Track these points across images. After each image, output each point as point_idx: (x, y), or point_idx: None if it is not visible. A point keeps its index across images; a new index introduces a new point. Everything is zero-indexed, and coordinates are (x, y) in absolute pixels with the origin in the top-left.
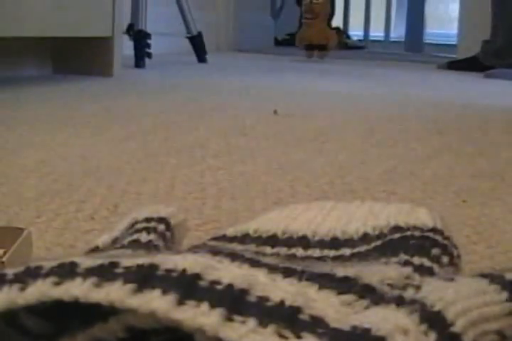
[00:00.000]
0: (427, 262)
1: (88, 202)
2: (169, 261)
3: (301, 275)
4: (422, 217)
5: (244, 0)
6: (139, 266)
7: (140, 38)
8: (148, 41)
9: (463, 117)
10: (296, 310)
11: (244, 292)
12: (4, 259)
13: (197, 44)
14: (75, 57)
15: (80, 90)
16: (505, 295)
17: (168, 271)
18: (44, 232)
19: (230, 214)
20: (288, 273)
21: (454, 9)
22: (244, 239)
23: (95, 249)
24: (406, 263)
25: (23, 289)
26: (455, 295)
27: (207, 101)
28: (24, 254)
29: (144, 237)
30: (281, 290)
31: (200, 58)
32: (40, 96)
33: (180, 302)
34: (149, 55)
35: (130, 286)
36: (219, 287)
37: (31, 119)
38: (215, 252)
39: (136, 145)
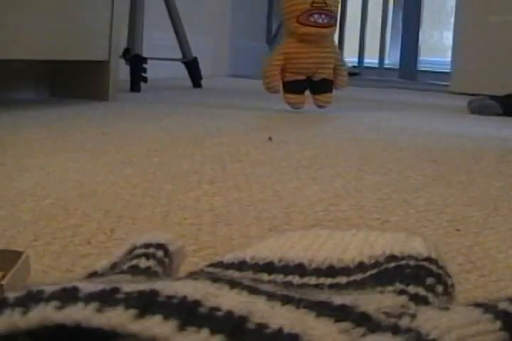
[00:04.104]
0: (422, 291)
1: (85, 227)
2: (170, 287)
3: (299, 303)
4: (416, 247)
5: (240, 26)
6: (141, 292)
7: (136, 63)
8: (144, 65)
9: (456, 146)
10: (295, 337)
11: (243, 319)
12: (3, 282)
13: (192, 69)
14: (71, 81)
15: (76, 114)
16: (498, 324)
17: (169, 297)
18: (41, 256)
19: (226, 241)
20: (286, 300)
21: (448, 37)
22: (241, 266)
23: (94, 274)
24: (401, 292)
25: (25, 313)
26: (450, 324)
27: (202, 127)
28: (22, 277)
29: (142, 263)
30: (279, 317)
31: (195, 83)
32: (37, 120)
33: (181, 328)
34: (145, 80)
35: (132, 312)
36: (219, 313)
37: (27, 143)
38: (215, 279)
39: (132, 170)
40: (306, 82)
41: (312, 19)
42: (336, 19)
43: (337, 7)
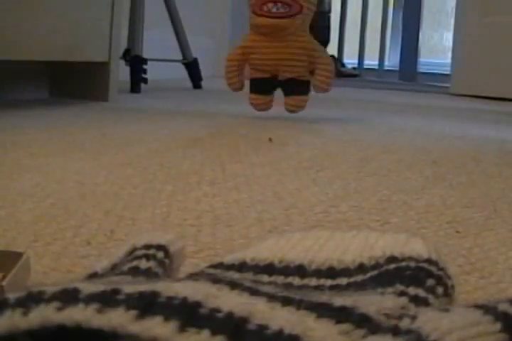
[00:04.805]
0: (422, 293)
1: (85, 227)
2: (170, 288)
3: (300, 304)
4: (417, 248)
5: (241, 26)
6: (141, 293)
7: (136, 64)
8: (144, 67)
9: (456, 147)
10: (295, 338)
11: (244, 320)
12: (4, 283)
13: (192, 70)
14: (71, 82)
15: (76, 115)
16: (498, 325)
17: (170, 298)
18: (41, 257)
19: (226, 242)
20: (286, 301)
21: (448, 38)
22: (241, 267)
23: (94, 275)
24: (402, 294)
25: (25, 313)
26: (450, 326)
27: (201, 128)
28: (23, 278)
29: (143, 264)
30: (280, 318)
31: (195, 84)
32: (37, 121)
33: (182, 329)
34: (145, 81)
35: (132, 312)
36: (219, 315)
37: (27, 143)
38: (215, 280)
39: (132, 171)
40: (273, 82)
41: (266, 8)
42: (301, 8)
43: None
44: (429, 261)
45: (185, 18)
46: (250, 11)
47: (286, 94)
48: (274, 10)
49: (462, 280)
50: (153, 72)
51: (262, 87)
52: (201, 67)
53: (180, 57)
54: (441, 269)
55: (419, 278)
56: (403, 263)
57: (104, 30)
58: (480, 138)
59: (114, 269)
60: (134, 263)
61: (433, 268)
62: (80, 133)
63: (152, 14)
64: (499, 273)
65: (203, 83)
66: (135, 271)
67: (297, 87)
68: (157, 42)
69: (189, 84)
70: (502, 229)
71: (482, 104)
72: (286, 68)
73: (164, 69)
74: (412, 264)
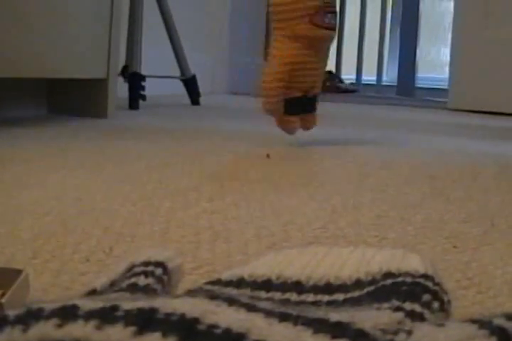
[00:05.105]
0: (418, 308)
1: (84, 244)
2: (168, 304)
3: (297, 320)
4: (413, 264)
5: (239, 43)
6: (140, 310)
7: (134, 80)
8: (143, 83)
9: (454, 162)
10: None
11: (241, 336)
12: (3, 300)
13: (191, 86)
14: (70, 98)
15: (75, 131)
16: (494, 340)
17: (168, 314)
18: (40, 273)
19: (224, 258)
20: (283, 317)
21: (446, 54)
22: (239, 283)
23: (93, 292)
24: (398, 309)
25: (25, 330)
26: (446, 340)
27: (200, 144)
28: (22, 295)
29: (141, 281)
30: (277, 334)
31: (193, 100)
32: (35, 137)
33: None
34: (143, 97)
35: (131, 329)
36: (217, 331)
37: (26, 160)
38: (213, 296)
39: (131, 188)
40: (303, 100)
41: (327, 20)
42: None
43: None
44: (425, 276)
45: (184, 34)
46: (300, 22)
47: (309, 111)
48: (332, 21)
49: (460, 295)
50: (151, 87)
51: (297, 106)
52: (199, 83)
53: (178, 72)
54: (438, 284)
55: (415, 294)
56: (399, 279)
57: (103, 47)
58: (477, 153)
59: (112, 286)
60: (133, 279)
61: (429, 284)
62: (78, 150)
63: (150, 30)
64: (496, 287)
65: (201, 99)
66: (134, 288)
67: (315, 104)
68: (155, 58)
69: (187, 100)
70: (499, 243)
71: (480, 118)
72: (319, 84)
73: (163, 85)
74: (409, 279)
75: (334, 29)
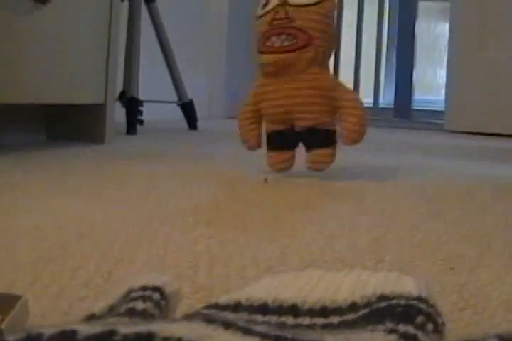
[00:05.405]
0: (411, 330)
1: (82, 269)
2: (166, 329)
3: None
4: (407, 286)
5: (236, 67)
6: (137, 334)
7: (132, 105)
8: (140, 108)
9: (451, 183)
10: None
11: None
12: (3, 326)
13: (188, 111)
14: (68, 124)
15: (73, 156)
16: None
17: (166, 338)
18: (39, 299)
19: (222, 282)
20: (279, 340)
21: (442, 75)
22: (236, 307)
23: (92, 317)
24: (392, 331)
25: None
26: None
27: (198, 168)
28: (21, 321)
29: (139, 305)
30: None
31: (191, 125)
32: (34, 163)
33: None
34: (141, 122)
35: None
36: None
37: (25, 185)
38: (210, 320)
39: (129, 212)
40: (290, 135)
41: (269, 43)
42: (310, 39)
43: (313, 21)
44: (419, 298)
45: (181, 59)
46: (255, 49)
47: (307, 148)
48: (277, 44)
49: (455, 317)
50: (149, 112)
51: (279, 141)
52: (196, 107)
53: (176, 97)
54: (432, 306)
55: (409, 315)
56: (394, 301)
57: (100, 73)
58: (474, 175)
59: (111, 311)
60: (131, 304)
61: (423, 306)
62: (76, 175)
63: (148, 56)
64: (492, 308)
65: (199, 124)
66: (132, 312)
67: (317, 138)
68: (153, 83)
69: (185, 124)
70: (495, 264)
71: (476, 140)
72: (300, 115)
73: (160, 110)
74: (402, 302)
75: (283, 51)
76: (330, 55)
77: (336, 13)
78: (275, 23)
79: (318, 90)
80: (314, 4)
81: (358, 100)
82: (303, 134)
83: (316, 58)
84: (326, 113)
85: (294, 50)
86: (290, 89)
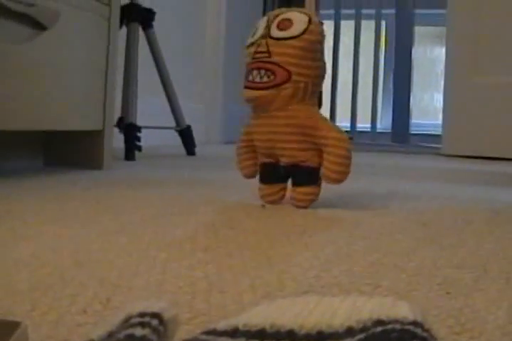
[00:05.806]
0: None
1: (81, 296)
2: None
3: None
4: (402, 311)
5: (233, 92)
6: None
7: (130, 131)
8: (138, 134)
9: (447, 208)
10: None
11: None
12: None
13: (186, 137)
14: (66, 150)
15: (70, 183)
16: None
17: None
18: (38, 326)
19: (220, 308)
20: None
21: (439, 100)
22: (234, 332)
23: None
24: None
25: None
26: None
27: (195, 195)
28: None
29: (138, 332)
30: None
31: (189, 151)
32: (31, 189)
33: None
34: (139, 148)
35: None
36: None
37: (22, 212)
38: None
39: (127, 239)
40: (279, 168)
41: (250, 77)
42: (289, 75)
43: (291, 56)
44: (414, 323)
45: (178, 85)
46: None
47: (292, 184)
48: (257, 79)
49: None
50: (147, 138)
51: (268, 174)
52: (194, 133)
53: (173, 123)
54: (427, 330)
55: (405, 340)
56: (389, 326)
57: (98, 99)
58: (470, 199)
59: (110, 337)
60: (130, 330)
61: (418, 330)
62: (74, 201)
63: (145, 82)
64: (488, 332)
65: (197, 149)
66: (131, 339)
67: (300, 175)
68: (151, 109)
69: (183, 150)
70: (492, 288)
71: (473, 164)
72: (280, 151)
73: (158, 136)
74: (398, 326)
75: (261, 88)
76: (315, 89)
77: (320, 43)
78: (257, 56)
79: (296, 128)
80: (293, 37)
81: (341, 139)
82: (288, 169)
83: (296, 94)
84: (307, 151)
85: (272, 87)
86: (271, 126)
